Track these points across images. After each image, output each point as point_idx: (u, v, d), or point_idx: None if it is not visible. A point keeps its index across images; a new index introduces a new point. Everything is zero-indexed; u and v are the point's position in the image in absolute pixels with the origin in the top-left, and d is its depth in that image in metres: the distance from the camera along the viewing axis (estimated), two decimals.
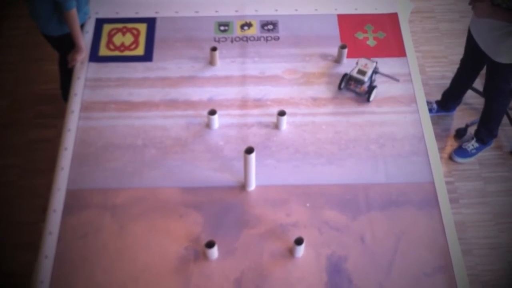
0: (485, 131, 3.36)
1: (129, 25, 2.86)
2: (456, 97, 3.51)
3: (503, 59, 2.93)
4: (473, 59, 3.19)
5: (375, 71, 2.59)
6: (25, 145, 3.47)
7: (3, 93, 3.73)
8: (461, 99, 3.55)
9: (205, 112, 2.49)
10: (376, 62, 2.60)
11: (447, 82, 3.50)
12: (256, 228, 2.23)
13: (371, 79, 2.59)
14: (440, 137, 3.54)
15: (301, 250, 2.14)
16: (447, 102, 3.56)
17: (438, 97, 3.59)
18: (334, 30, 2.86)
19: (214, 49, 2.68)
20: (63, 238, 2.20)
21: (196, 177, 2.36)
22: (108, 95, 2.61)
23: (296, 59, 2.75)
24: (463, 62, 3.32)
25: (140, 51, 2.77)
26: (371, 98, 2.59)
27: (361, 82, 2.57)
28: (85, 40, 2.79)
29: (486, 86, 3.21)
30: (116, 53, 2.77)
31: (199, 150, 2.44)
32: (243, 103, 2.59)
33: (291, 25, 2.86)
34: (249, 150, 2.13)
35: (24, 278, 2.56)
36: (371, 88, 2.59)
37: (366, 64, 2.58)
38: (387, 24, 2.89)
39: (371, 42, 2.82)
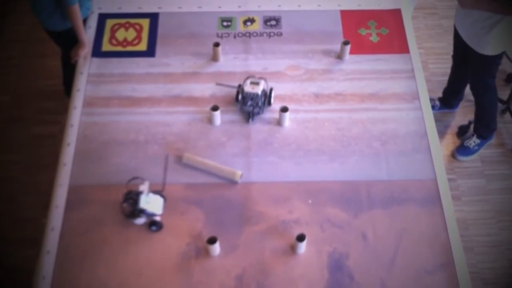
0: (482, 127, 3.36)
1: (132, 21, 2.86)
2: (456, 94, 3.51)
3: (486, 50, 2.95)
4: (462, 54, 3.20)
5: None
6: (28, 141, 3.48)
7: (6, 89, 3.74)
8: (462, 95, 3.54)
9: (208, 108, 2.49)
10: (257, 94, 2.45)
11: None
12: (258, 224, 2.23)
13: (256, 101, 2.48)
14: (443, 134, 3.53)
15: (302, 247, 2.14)
16: (448, 99, 3.56)
17: (441, 94, 3.59)
18: (337, 26, 2.85)
19: (216, 45, 2.68)
20: (65, 233, 2.20)
21: (198, 174, 2.36)
22: (110, 91, 2.61)
23: (299, 55, 2.74)
24: (454, 58, 3.36)
25: (142, 46, 2.77)
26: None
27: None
28: (87, 35, 2.79)
29: (472, 84, 3.23)
30: (119, 48, 2.76)
31: (201, 146, 2.44)
32: None
33: (294, 21, 2.85)
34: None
35: (26, 273, 2.57)
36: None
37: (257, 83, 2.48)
38: (390, 20, 2.88)
39: (374, 38, 2.81)
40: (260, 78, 2.53)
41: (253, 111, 2.50)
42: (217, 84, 2.58)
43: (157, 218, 2.20)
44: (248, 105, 2.49)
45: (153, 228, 2.19)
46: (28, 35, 3.99)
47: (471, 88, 3.28)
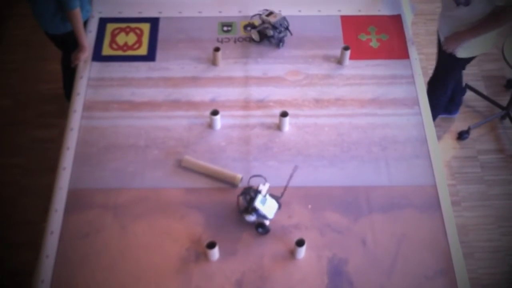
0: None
1: (133, 25, 2.87)
2: (452, 99, 3.49)
3: (459, 52, 2.92)
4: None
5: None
6: (28, 144, 3.48)
7: (7, 93, 3.74)
8: (460, 99, 3.54)
9: (208, 113, 2.49)
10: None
11: None
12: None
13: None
14: (443, 139, 3.53)
15: (302, 252, 2.14)
16: (447, 104, 3.55)
17: None
18: (337, 31, 2.86)
19: (217, 49, 2.68)
20: (64, 237, 2.20)
21: (197, 178, 2.36)
22: (110, 95, 2.62)
23: (299, 60, 2.74)
24: None
25: (143, 51, 2.77)
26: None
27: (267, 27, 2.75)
28: (88, 39, 2.79)
29: (431, 80, 3.25)
30: (119, 52, 2.77)
31: (201, 151, 2.44)
32: (246, 104, 2.59)
33: (294, 26, 2.85)
34: None
35: (26, 276, 2.57)
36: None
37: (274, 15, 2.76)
38: (391, 26, 2.89)
39: (374, 44, 2.81)
40: (271, 12, 2.77)
41: (282, 37, 2.77)
42: (251, 17, 2.84)
43: (266, 222, 2.19)
44: (278, 32, 2.74)
45: (260, 230, 2.19)
46: (28, 38, 4.00)
47: (428, 82, 3.27)
